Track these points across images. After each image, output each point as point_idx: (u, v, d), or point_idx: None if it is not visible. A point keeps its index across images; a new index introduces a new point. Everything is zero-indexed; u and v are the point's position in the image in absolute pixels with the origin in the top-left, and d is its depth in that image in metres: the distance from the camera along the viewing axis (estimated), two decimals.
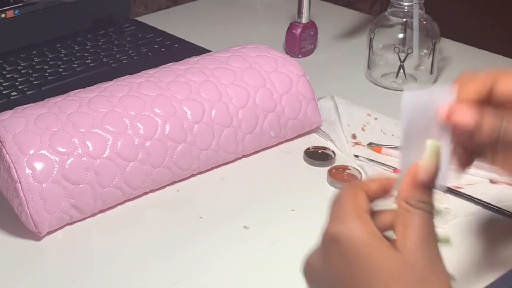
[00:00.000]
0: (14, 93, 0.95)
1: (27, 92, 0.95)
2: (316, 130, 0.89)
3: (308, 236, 0.72)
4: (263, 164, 0.83)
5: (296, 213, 0.75)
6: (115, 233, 0.72)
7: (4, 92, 0.95)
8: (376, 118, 0.91)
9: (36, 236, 0.71)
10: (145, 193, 0.77)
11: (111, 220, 0.74)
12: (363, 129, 0.89)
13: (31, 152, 0.69)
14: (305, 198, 0.78)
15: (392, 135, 0.88)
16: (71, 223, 0.73)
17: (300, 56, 1.12)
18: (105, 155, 0.72)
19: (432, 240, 0.46)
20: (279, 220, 0.74)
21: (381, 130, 0.89)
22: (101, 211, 0.74)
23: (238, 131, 0.80)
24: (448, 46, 1.16)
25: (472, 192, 0.78)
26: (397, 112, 0.93)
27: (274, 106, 0.82)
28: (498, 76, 0.52)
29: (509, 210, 0.75)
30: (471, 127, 0.50)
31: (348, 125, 0.89)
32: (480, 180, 0.80)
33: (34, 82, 0.98)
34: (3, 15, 1.05)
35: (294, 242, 0.71)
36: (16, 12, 1.07)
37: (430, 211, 0.47)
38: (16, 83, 0.98)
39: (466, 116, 0.50)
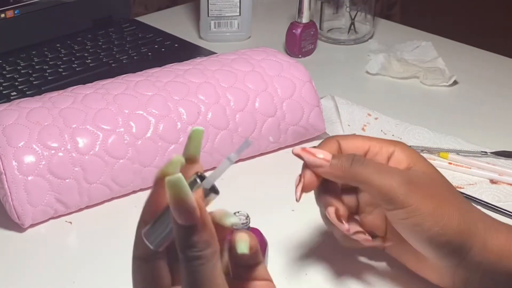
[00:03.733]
0: (14, 93, 0.95)
1: (27, 92, 0.95)
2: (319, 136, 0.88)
3: (308, 236, 0.72)
4: (263, 164, 0.83)
5: (296, 213, 0.75)
6: (116, 233, 0.72)
7: (4, 92, 0.95)
8: (376, 118, 0.91)
9: (20, 227, 0.71)
10: (146, 192, 0.77)
11: (110, 217, 0.74)
12: (363, 129, 0.89)
13: (20, 145, 0.70)
14: (305, 198, 0.77)
15: (393, 135, 0.88)
16: (57, 217, 0.73)
17: (300, 56, 1.12)
18: (93, 151, 0.72)
19: None
20: (279, 220, 0.74)
21: (381, 130, 0.89)
22: (100, 206, 0.75)
23: (234, 134, 0.79)
24: (447, 45, 1.16)
25: (472, 192, 0.78)
26: (397, 112, 0.94)
27: (275, 111, 0.81)
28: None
29: (509, 210, 0.75)
30: (319, 160, 0.58)
31: (349, 125, 0.89)
32: (480, 180, 0.80)
33: (34, 82, 0.98)
34: (3, 15, 1.05)
35: (294, 242, 0.71)
36: (16, 12, 1.07)
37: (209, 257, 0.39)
38: (16, 83, 0.98)
39: (316, 151, 0.59)
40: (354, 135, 0.62)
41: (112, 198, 0.76)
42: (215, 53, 1.03)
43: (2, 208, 0.72)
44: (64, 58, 1.05)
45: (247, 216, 0.60)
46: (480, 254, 0.56)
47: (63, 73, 1.01)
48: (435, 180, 0.58)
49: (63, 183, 0.71)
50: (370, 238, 0.60)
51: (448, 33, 1.20)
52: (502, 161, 0.83)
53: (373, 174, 0.56)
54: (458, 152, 0.84)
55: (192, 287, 0.38)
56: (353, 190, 0.63)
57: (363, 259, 0.68)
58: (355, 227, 0.60)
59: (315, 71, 0.98)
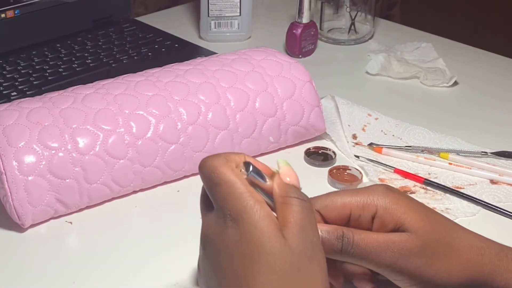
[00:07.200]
0: (14, 93, 0.95)
1: (27, 92, 0.95)
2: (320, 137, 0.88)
3: None
4: None
5: None
6: (116, 233, 0.72)
7: (4, 92, 0.95)
8: (376, 118, 0.91)
9: (20, 227, 0.71)
10: (146, 193, 0.77)
11: (110, 217, 0.74)
12: (363, 129, 0.89)
13: (20, 145, 0.70)
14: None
15: (393, 135, 0.88)
16: (57, 217, 0.73)
17: (300, 56, 1.12)
18: (94, 151, 0.72)
19: (310, 226, 0.49)
20: None
21: (382, 131, 0.89)
22: (100, 206, 0.75)
23: (235, 134, 0.79)
24: (447, 46, 1.16)
25: (472, 192, 0.78)
26: (397, 112, 0.94)
27: (275, 111, 0.81)
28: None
29: (510, 211, 0.75)
30: None
31: (349, 125, 0.89)
32: (480, 180, 0.80)
33: (34, 82, 0.98)
34: (3, 15, 1.05)
35: None
36: (16, 12, 1.07)
37: (305, 199, 0.50)
38: (16, 83, 0.98)
39: None
40: (330, 196, 0.57)
41: (112, 198, 0.76)
42: (215, 53, 1.03)
43: (2, 208, 0.72)
44: (64, 58, 1.05)
45: None
46: (498, 276, 0.56)
47: (63, 73, 1.01)
48: (427, 235, 0.55)
49: (63, 183, 0.71)
50: None
51: (448, 33, 1.20)
52: (502, 161, 0.83)
53: (367, 255, 0.54)
54: (458, 152, 0.84)
55: (302, 222, 0.48)
56: None
57: None
58: None
59: (315, 71, 0.98)
